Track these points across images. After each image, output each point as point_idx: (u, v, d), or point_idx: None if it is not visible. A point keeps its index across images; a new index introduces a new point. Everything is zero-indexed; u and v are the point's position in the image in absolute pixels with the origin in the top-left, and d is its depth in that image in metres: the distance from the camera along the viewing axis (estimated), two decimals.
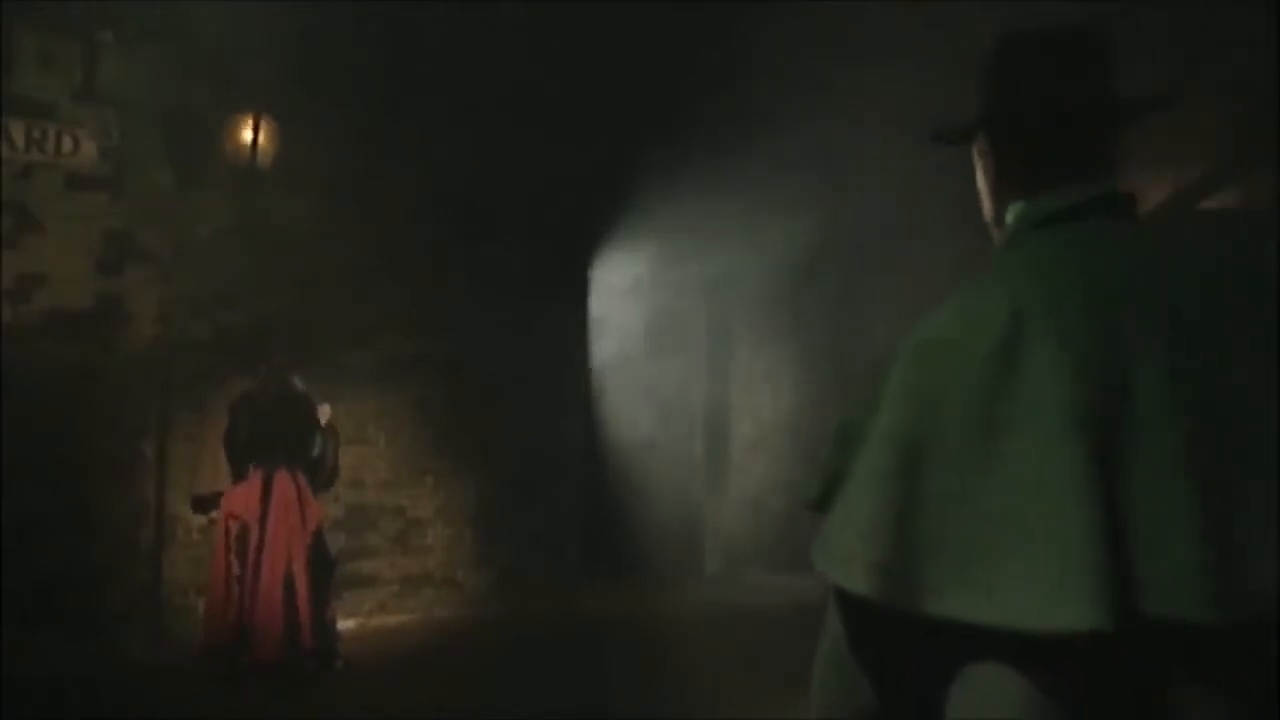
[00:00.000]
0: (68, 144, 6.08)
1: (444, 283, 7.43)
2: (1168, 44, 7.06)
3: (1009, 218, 1.37)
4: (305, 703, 5.27)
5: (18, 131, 5.93)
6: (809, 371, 9.36)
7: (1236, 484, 1.11)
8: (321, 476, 5.93)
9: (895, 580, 1.14)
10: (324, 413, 5.85)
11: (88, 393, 6.11)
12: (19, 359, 5.85)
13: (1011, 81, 1.38)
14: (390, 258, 7.20)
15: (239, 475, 5.61)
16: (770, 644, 6.24)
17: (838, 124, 6.86)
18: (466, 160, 7.38)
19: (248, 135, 6.46)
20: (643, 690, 5.36)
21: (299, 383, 5.82)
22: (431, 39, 6.97)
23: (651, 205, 7.75)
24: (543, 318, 7.89)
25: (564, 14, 6.72)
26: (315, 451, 5.76)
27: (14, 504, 5.70)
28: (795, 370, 9.61)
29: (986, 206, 1.46)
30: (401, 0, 6.74)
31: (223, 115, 6.48)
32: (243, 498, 5.54)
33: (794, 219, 7.89)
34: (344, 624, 6.51)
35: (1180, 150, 7.05)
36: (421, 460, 7.47)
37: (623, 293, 8.64)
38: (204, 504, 5.86)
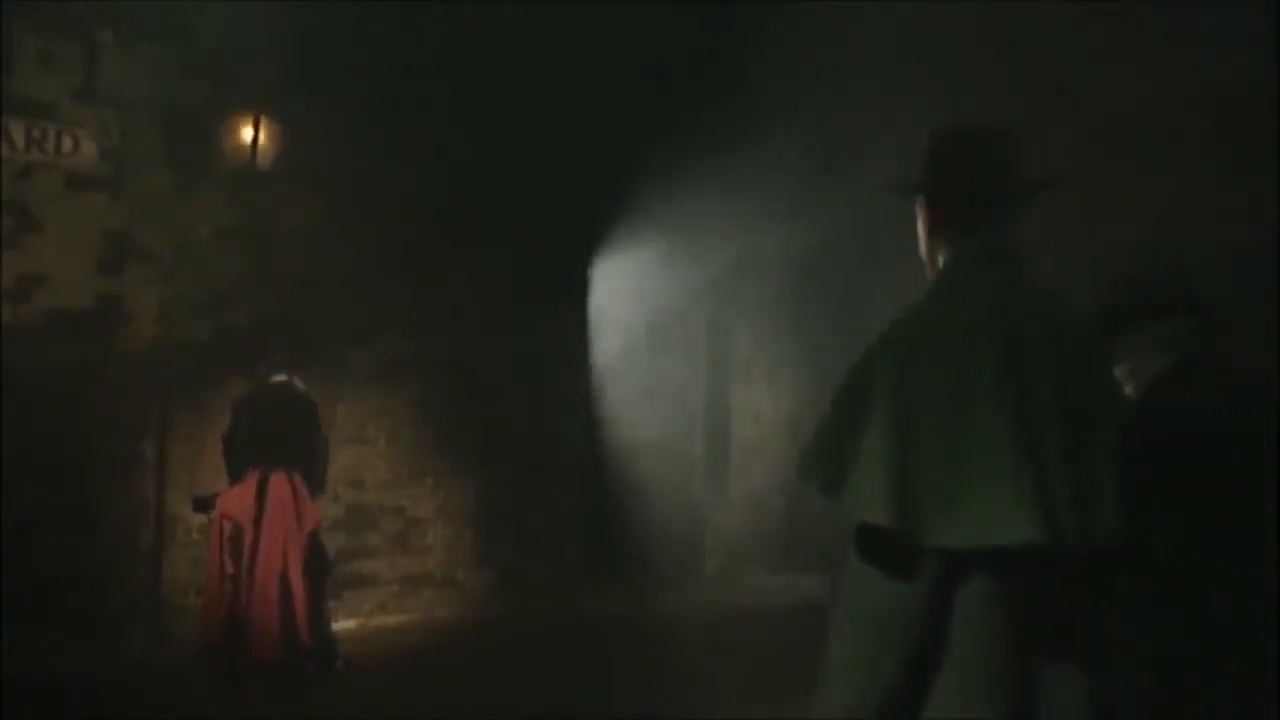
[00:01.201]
0: (68, 144, 6.08)
1: (444, 283, 7.43)
2: (1168, 44, 7.07)
3: (940, 260, 1.97)
4: (305, 703, 5.27)
5: (18, 131, 5.93)
6: (809, 371, 9.36)
7: (1084, 449, 1.72)
8: (318, 477, 5.94)
9: (906, 520, 1.68)
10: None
11: (88, 393, 6.11)
12: (19, 359, 5.84)
13: (942, 164, 1.98)
14: (390, 258, 7.20)
15: (235, 477, 5.62)
16: (770, 644, 6.25)
17: (838, 122, 6.86)
18: (466, 160, 7.38)
19: (248, 135, 6.46)
20: (643, 690, 5.36)
21: (299, 383, 5.82)
22: (431, 39, 6.97)
23: (652, 205, 7.75)
24: (543, 318, 7.89)
25: (564, 13, 6.73)
26: (314, 452, 5.78)
27: (14, 504, 5.69)
28: (795, 370, 9.61)
29: (922, 247, 2.05)
30: (401, 0, 6.74)
31: (223, 115, 6.48)
32: (237, 499, 5.55)
33: (794, 218, 7.89)
34: (344, 624, 6.52)
35: (1180, 150, 7.06)
36: (421, 460, 7.47)
37: (623, 292, 8.64)
38: (204, 504, 5.86)
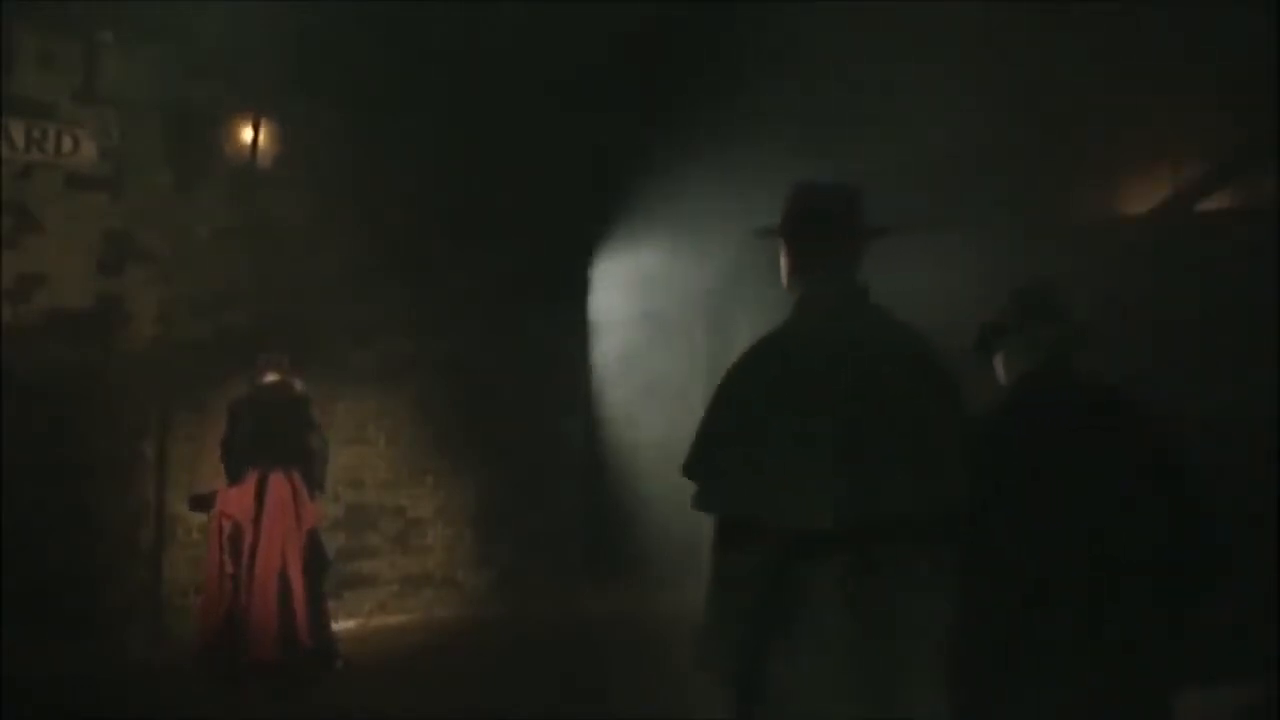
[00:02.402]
0: (68, 144, 6.08)
1: (444, 283, 7.43)
2: (1168, 44, 7.06)
3: (797, 292, 2.42)
4: (305, 703, 5.28)
5: (18, 131, 5.93)
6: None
7: (899, 445, 2.19)
8: (317, 477, 5.94)
9: (743, 508, 2.21)
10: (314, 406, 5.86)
11: (88, 393, 6.11)
12: (19, 359, 5.84)
13: (797, 214, 2.43)
14: (390, 258, 7.19)
15: (234, 478, 5.62)
16: None
17: (839, 121, 6.85)
18: (466, 160, 7.37)
19: (248, 135, 6.46)
20: (643, 690, 5.36)
21: (299, 384, 5.82)
22: (431, 39, 6.96)
23: (652, 204, 7.75)
24: (543, 317, 7.89)
25: (564, 13, 6.72)
26: (312, 452, 5.78)
27: (14, 504, 5.69)
28: None
29: (783, 280, 2.48)
30: (401, 0, 6.74)
31: (223, 115, 6.48)
32: (237, 498, 5.55)
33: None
34: (344, 624, 6.52)
35: (1180, 150, 7.06)
36: (421, 460, 7.47)
37: (623, 292, 8.63)
38: (202, 503, 5.86)
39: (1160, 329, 6.24)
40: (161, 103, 6.36)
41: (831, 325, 2.34)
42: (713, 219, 7.11)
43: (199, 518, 6.10)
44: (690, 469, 2.34)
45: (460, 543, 7.62)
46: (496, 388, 7.68)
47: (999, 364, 2.66)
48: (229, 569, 5.49)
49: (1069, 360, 2.60)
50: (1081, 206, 7.40)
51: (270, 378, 5.74)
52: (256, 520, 5.49)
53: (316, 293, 6.90)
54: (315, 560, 5.72)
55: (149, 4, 6.10)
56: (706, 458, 2.31)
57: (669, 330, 9.11)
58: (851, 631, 2.14)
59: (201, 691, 5.31)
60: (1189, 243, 6.12)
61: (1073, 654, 2.32)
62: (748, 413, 2.29)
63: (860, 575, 2.17)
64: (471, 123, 7.35)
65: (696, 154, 7.34)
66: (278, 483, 5.56)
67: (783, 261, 2.47)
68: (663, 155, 7.50)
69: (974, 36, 6.61)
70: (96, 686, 5.40)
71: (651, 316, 8.74)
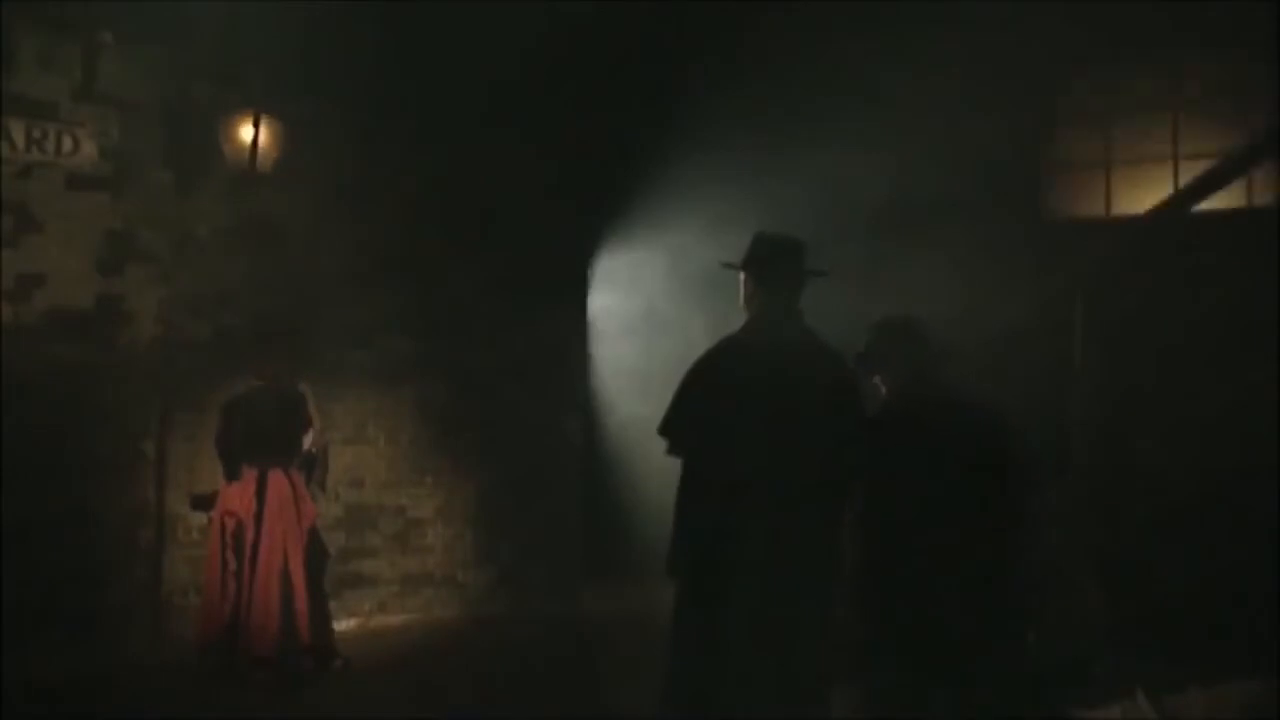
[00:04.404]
0: (68, 144, 6.08)
1: (444, 283, 7.43)
2: (1168, 43, 7.07)
3: (750, 312, 3.50)
4: (305, 702, 5.28)
5: (18, 131, 5.93)
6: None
7: (799, 427, 3.28)
8: (318, 477, 5.95)
9: (707, 459, 3.37)
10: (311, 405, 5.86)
11: (88, 393, 6.11)
12: (19, 359, 5.84)
13: (756, 255, 3.53)
14: (390, 258, 7.19)
15: (231, 474, 5.62)
16: None
17: (838, 120, 6.86)
18: (466, 160, 7.37)
19: (248, 135, 6.45)
20: (643, 690, 5.36)
21: (299, 384, 5.82)
22: (431, 39, 6.96)
23: (651, 204, 7.75)
24: (542, 317, 7.88)
25: (564, 12, 6.73)
26: (309, 450, 5.79)
27: (14, 504, 5.69)
28: None
29: (741, 303, 3.57)
30: (402, 0, 6.74)
31: (223, 115, 6.48)
32: (238, 495, 5.55)
33: (794, 216, 7.88)
34: (344, 624, 6.52)
35: (1180, 150, 7.07)
36: (421, 460, 7.47)
37: (623, 291, 8.63)
38: (203, 502, 5.86)
39: (1160, 329, 6.26)
40: (161, 103, 6.36)
41: (772, 337, 3.43)
42: (713, 217, 7.11)
43: (199, 517, 6.10)
44: (664, 428, 3.50)
45: (460, 543, 7.62)
46: (496, 388, 7.68)
47: (878, 380, 3.56)
48: (231, 566, 5.49)
49: (931, 375, 3.47)
50: (1079, 207, 7.42)
51: (269, 377, 5.74)
52: (258, 518, 5.50)
53: (316, 293, 6.90)
54: (316, 558, 5.73)
55: (149, 4, 6.09)
56: (675, 421, 3.47)
57: (669, 329, 9.11)
58: (766, 554, 3.24)
59: (201, 691, 5.32)
60: (1189, 243, 6.14)
61: (931, 587, 3.24)
62: (706, 392, 3.41)
63: (775, 513, 3.24)
64: (471, 122, 7.35)
65: (697, 154, 7.35)
66: (277, 481, 5.57)
67: (741, 288, 3.54)
68: (663, 155, 7.50)
69: (970, 35, 6.62)
70: (96, 686, 5.40)
71: (651, 315, 8.74)
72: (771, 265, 3.45)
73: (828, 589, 3.32)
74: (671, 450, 3.45)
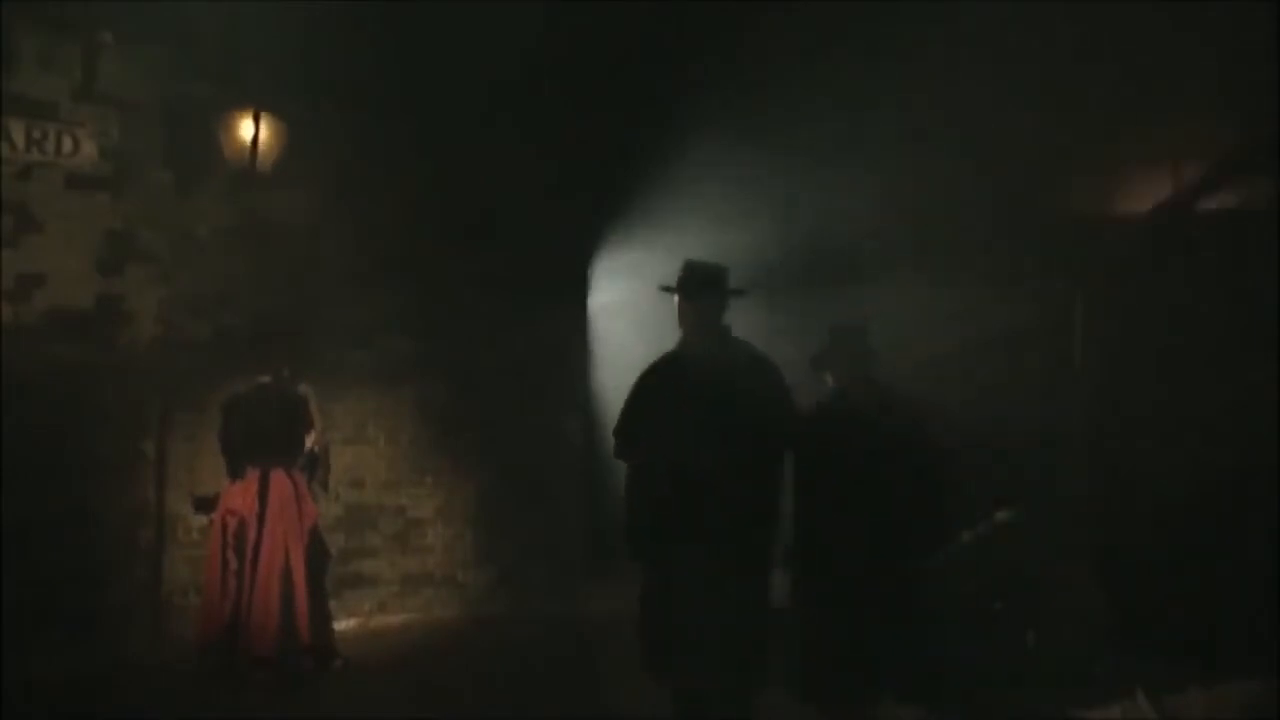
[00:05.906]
0: (68, 144, 6.08)
1: (444, 283, 7.43)
2: (1168, 44, 7.06)
3: (683, 328, 4.09)
4: (305, 702, 5.28)
5: (18, 131, 5.93)
6: (809, 370, 9.32)
7: (734, 424, 3.82)
8: (320, 477, 5.95)
9: (650, 456, 3.95)
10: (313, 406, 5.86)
11: (88, 393, 6.11)
12: (19, 359, 5.84)
13: (688, 277, 4.10)
14: (390, 258, 7.20)
15: (234, 473, 5.63)
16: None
17: (837, 123, 6.87)
18: (466, 160, 7.37)
19: (248, 135, 6.45)
20: (643, 690, 5.36)
21: (299, 384, 5.82)
22: (431, 39, 6.96)
23: (651, 204, 7.74)
24: (542, 317, 7.89)
25: (563, 12, 6.72)
26: (311, 450, 5.79)
27: (14, 504, 5.70)
28: (794, 369, 9.58)
29: (677, 319, 4.09)
30: (402, 0, 6.74)
31: (222, 114, 6.48)
32: (240, 494, 5.55)
33: (794, 218, 7.89)
34: (344, 624, 6.52)
35: (1180, 150, 7.06)
36: (421, 460, 7.47)
37: (623, 291, 8.63)
38: (205, 505, 5.87)
39: (1160, 329, 6.26)
40: (161, 103, 6.37)
41: (706, 348, 3.99)
42: (712, 218, 7.11)
43: (199, 518, 6.11)
44: (616, 433, 4.10)
45: (460, 543, 7.62)
46: (496, 388, 7.68)
47: (826, 377, 4.36)
48: (232, 565, 5.49)
49: (865, 374, 4.25)
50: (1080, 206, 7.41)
51: (268, 377, 5.74)
52: (260, 518, 5.50)
53: (316, 293, 6.90)
54: (318, 558, 5.73)
55: (149, 4, 6.10)
56: (624, 426, 4.05)
57: (669, 329, 9.11)
58: (707, 532, 3.73)
59: (201, 691, 5.32)
60: (1189, 243, 6.14)
61: (849, 554, 3.95)
62: (649, 399, 3.96)
63: (714, 498, 3.71)
64: (471, 122, 7.35)
65: (697, 154, 7.35)
66: (280, 481, 5.57)
67: (676, 308, 4.06)
68: (663, 155, 7.50)
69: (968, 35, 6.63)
70: (96, 686, 5.40)
71: (651, 315, 8.74)
72: (699, 288, 4.00)
73: (763, 569, 3.90)
74: (617, 454, 4.07)
